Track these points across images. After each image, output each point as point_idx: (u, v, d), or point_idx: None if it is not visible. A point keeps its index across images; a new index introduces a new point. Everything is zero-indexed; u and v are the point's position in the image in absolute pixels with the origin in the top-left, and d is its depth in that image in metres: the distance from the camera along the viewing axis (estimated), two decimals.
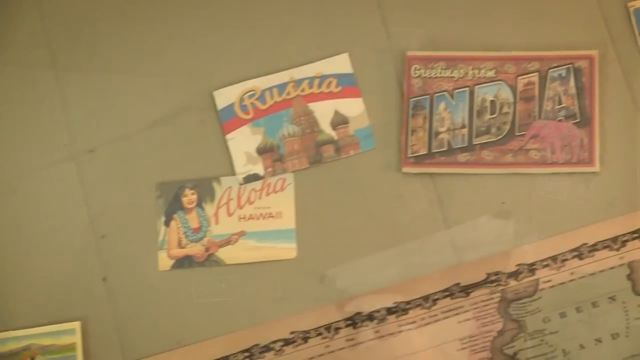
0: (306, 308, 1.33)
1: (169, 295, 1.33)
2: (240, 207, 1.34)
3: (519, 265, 1.33)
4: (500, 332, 1.32)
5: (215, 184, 1.35)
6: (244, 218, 1.34)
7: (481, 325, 1.33)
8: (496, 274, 1.33)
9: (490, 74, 1.34)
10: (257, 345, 1.33)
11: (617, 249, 1.33)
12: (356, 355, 1.32)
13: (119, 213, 1.35)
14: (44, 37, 1.38)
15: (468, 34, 1.36)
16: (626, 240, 1.33)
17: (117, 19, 1.38)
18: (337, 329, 1.33)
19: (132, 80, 1.37)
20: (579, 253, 1.33)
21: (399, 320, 1.33)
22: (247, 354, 1.33)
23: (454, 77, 1.35)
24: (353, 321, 1.33)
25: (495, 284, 1.33)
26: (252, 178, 1.35)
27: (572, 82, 1.34)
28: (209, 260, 1.34)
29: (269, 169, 1.35)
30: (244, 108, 1.35)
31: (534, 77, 1.34)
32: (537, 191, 1.33)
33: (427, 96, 1.35)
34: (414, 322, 1.33)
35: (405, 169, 1.34)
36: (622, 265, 1.32)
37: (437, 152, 1.34)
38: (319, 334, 1.33)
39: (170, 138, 1.36)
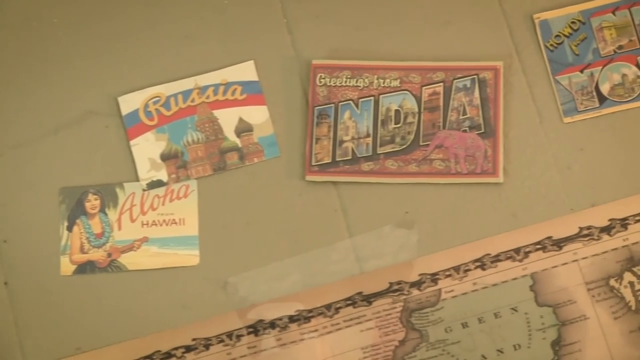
0: (208, 315, 1.33)
1: (71, 301, 1.33)
2: (144, 213, 1.34)
3: (421, 275, 1.33)
4: (402, 342, 1.32)
5: (118, 190, 1.35)
6: (146, 224, 1.34)
7: (383, 334, 1.33)
8: (399, 283, 1.33)
9: (395, 83, 1.35)
10: (158, 351, 1.32)
11: (520, 260, 1.33)
12: None
13: (22, 218, 1.34)
14: None
15: (374, 43, 1.36)
16: (529, 252, 1.33)
17: (20, 25, 1.38)
18: (239, 337, 1.33)
19: (36, 85, 1.37)
20: (481, 263, 1.33)
21: (301, 329, 1.33)
22: None
23: (359, 86, 1.35)
24: (255, 329, 1.33)
25: (398, 293, 1.33)
26: (155, 184, 1.35)
27: (476, 93, 1.34)
28: (111, 266, 1.33)
29: (173, 176, 1.35)
30: (148, 114, 1.35)
31: (439, 88, 1.34)
32: (440, 201, 1.33)
33: (331, 105, 1.35)
34: (316, 331, 1.33)
35: (309, 177, 1.34)
36: (524, 276, 1.33)
37: (341, 160, 1.34)
38: (221, 341, 1.33)
39: (74, 143, 1.35)
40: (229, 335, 1.33)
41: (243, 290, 1.33)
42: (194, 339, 1.33)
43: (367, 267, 1.33)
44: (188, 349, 1.33)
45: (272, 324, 1.33)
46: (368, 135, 1.34)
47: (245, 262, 1.33)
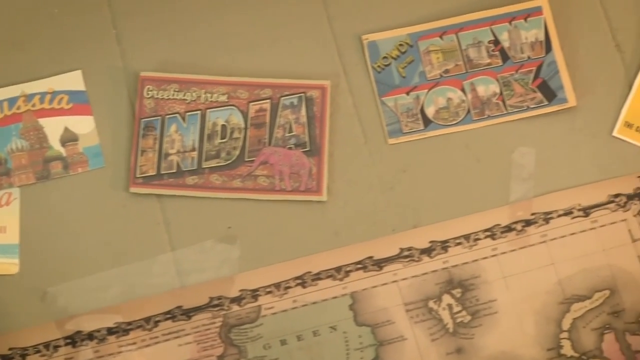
0: (26, 325, 1.32)
1: None
2: None
3: (242, 290, 1.33)
4: (220, 357, 1.32)
5: None
6: None
7: (202, 349, 1.32)
8: (219, 298, 1.33)
9: (223, 98, 1.35)
10: None
11: (341, 279, 1.33)
12: None
13: None
14: None
15: (203, 58, 1.36)
16: (350, 271, 1.33)
17: None
18: (56, 347, 1.32)
19: None
20: (302, 281, 1.33)
21: (119, 341, 1.32)
22: None
23: (186, 100, 1.35)
24: (73, 340, 1.32)
25: (218, 308, 1.33)
26: None
27: (303, 111, 1.34)
28: None
29: None
30: None
31: (266, 104, 1.35)
32: (263, 217, 1.34)
33: (158, 117, 1.34)
34: (134, 344, 1.32)
35: (133, 189, 1.34)
36: (345, 295, 1.33)
37: (165, 173, 1.34)
38: (38, 352, 1.32)
39: None
40: (46, 345, 1.32)
41: (62, 301, 1.33)
42: (10, 349, 1.32)
43: (188, 281, 1.33)
44: (4, 358, 1.31)
45: (90, 336, 1.32)
46: (194, 149, 1.34)
47: (65, 272, 1.33)
